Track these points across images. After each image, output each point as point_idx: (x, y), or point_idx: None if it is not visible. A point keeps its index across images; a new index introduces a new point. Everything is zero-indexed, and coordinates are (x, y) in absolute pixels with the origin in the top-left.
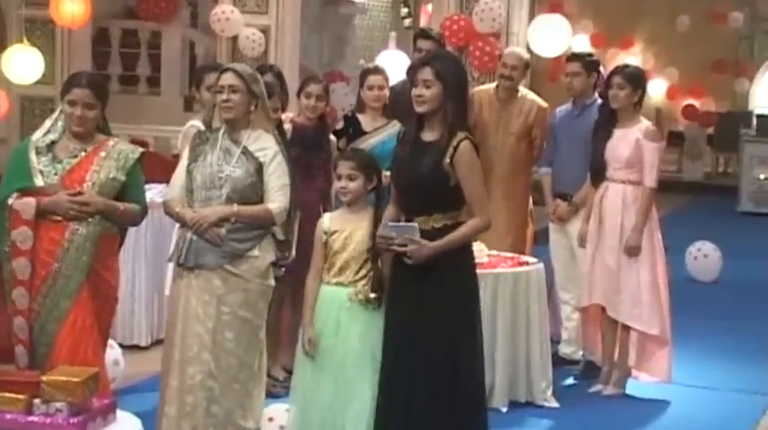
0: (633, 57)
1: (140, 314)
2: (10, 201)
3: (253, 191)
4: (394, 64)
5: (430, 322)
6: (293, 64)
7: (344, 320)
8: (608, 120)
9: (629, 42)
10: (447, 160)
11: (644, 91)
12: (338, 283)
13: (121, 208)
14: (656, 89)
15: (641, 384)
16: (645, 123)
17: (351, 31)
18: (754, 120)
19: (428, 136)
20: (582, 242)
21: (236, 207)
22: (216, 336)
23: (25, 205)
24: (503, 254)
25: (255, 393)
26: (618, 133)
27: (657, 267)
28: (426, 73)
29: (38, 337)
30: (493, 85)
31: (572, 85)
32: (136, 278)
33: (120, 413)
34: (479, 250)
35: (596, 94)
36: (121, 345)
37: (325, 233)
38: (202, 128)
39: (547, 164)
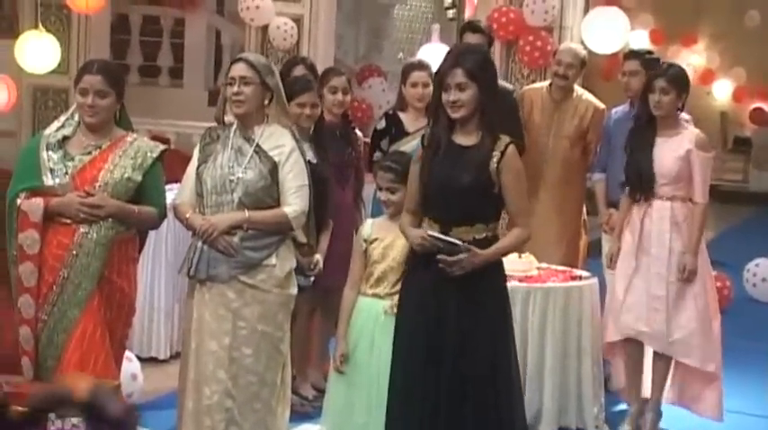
0: (696, 55)
1: (159, 325)
2: (18, 201)
3: (267, 193)
4: (437, 58)
5: (465, 333)
6: (327, 57)
7: (379, 335)
8: (647, 129)
9: (692, 39)
10: (494, 166)
11: (687, 94)
12: (375, 295)
13: (136, 211)
14: (722, 91)
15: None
16: (692, 130)
17: (389, 23)
18: None
19: (464, 140)
20: (612, 264)
21: (247, 213)
22: (233, 353)
23: (33, 206)
24: (553, 267)
25: (279, 411)
26: (660, 143)
27: (709, 295)
28: (458, 75)
29: (45, 349)
30: (545, 83)
31: (629, 85)
32: (155, 286)
33: None
34: (529, 262)
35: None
36: (139, 358)
37: (365, 241)
38: None
39: (600, 169)
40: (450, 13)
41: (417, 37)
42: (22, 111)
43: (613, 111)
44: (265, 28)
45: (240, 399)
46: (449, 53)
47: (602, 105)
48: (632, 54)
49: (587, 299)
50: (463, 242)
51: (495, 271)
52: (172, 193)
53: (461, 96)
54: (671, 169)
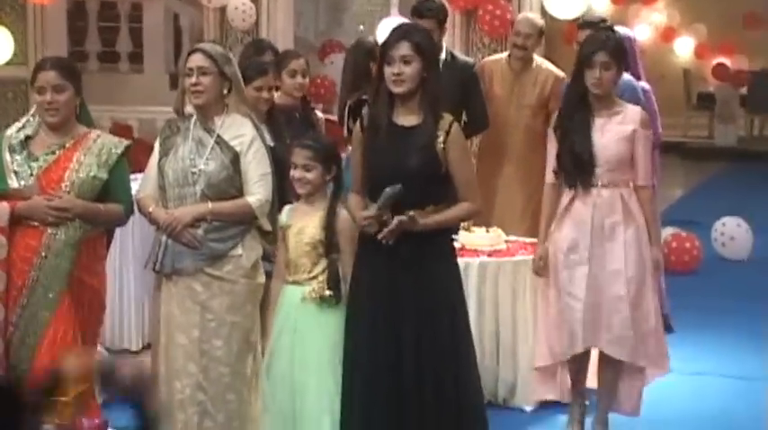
0: (657, 12)
1: (130, 316)
2: None
3: (230, 184)
4: None
5: (423, 313)
6: (287, 35)
7: (300, 322)
8: (581, 108)
9: None
10: (440, 146)
11: (625, 67)
12: (295, 282)
13: (104, 210)
14: (684, 48)
15: (673, 377)
16: (633, 108)
17: None
18: None
19: (406, 120)
20: (541, 269)
21: (210, 204)
22: (202, 346)
23: None
24: (522, 239)
25: (252, 400)
26: (600, 124)
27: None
28: (404, 48)
29: (16, 352)
30: (504, 54)
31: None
32: (124, 278)
33: None
34: (497, 236)
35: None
36: (110, 350)
37: (281, 227)
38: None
39: None
40: None
41: (377, 9)
42: None
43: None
44: (223, 9)
45: (212, 392)
46: (395, 29)
47: (561, 73)
48: (586, 24)
49: None
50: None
51: (446, 247)
52: (137, 184)
53: (405, 70)
54: (616, 153)
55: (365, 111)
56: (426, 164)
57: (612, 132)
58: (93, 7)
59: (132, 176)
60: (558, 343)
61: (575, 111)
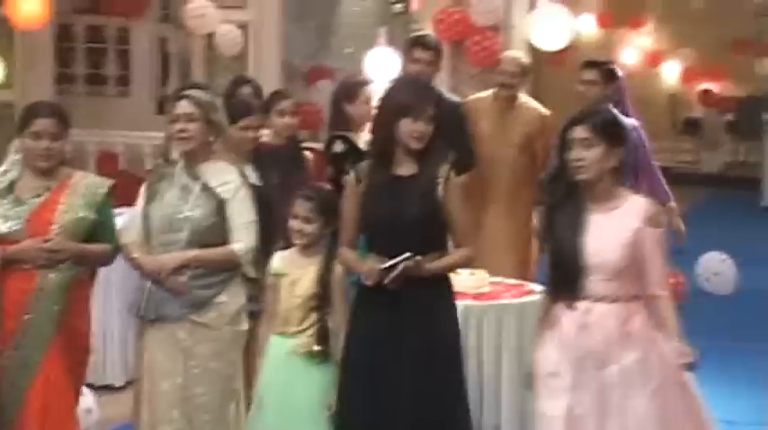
0: (644, 36)
1: (113, 352)
2: None
3: (216, 231)
4: (384, 64)
5: (425, 358)
6: (275, 61)
7: (289, 375)
8: (569, 200)
9: (640, 21)
10: (440, 193)
11: (623, 145)
12: (282, 333)
13: (93, 250)
14: (670, 72)
15: None
16: (637, 199)
17: (336, 19)
18: None
19: (402, 170)
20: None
21: (195, 251)
22: (185, 392)
23: None
24: (506, 281)
25: None
26: (594, 222)
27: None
28: (432, 109)
29: (7, 394)
30: (489, 92)
31: (586, 95)
32: (107, 313)
33: None
34: (481, 279)
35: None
36: (93, 386)
37: (274, 275)
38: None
39: None
40: (397, 7)
41: (366, 32)
42: None
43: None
44: (211, 35)
45: None
46: (415, 85)
47: (546, 112)
48: (591, 64)
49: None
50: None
51: (446, 290)
52: (122, 219)
53: (429, 129)
54: (614, 260)
55: (362, 164)
56: (426, 212)
57: (610, 234)
58: (81, 31)
59: (117, 211)
60: None
61: (560, 204)
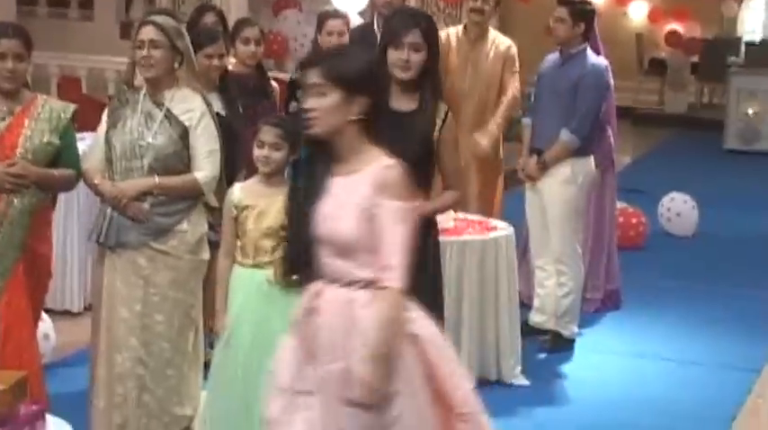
0: None
1: (72, 278)
2: None
3: (178, 159)
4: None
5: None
6: None
7: (265, 305)
8: (317, 159)
9: None
10: (437, 134)
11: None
12: (255, 265)
13: (57, 175)
14: (637, 12)
15: (616, 358)
16: (378, 163)
17: None
18: (743, 48)
19: (403, 104)
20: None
21: (158, 179)
22: (144, 320)
23: None
24: (469, 217)
25: (192, 376)
26: (334, 185)
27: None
28: (416, 35)
29: None
30: (460, 27)
31: (555, 32)
32: (67, 239)
33: (50, 419)
34: (445, 215)
35: (586, 44)
36: (52, 311)
37: (236, 207)
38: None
39: (530, 114)
40: None
41: None
42: None
43: (547, 57)
44: None
45: (152, 366)
46: (402, 13)
47: (514, 47)
48: (562, 1)
49: (503, 250)
50: None
51: (430, 230)
52: (83, 143)
53: (414, 57)
54: (343, 233)
55: None
56: (426, 151)
57: (344, 198)
58: None
59: (79, 136)
60: None
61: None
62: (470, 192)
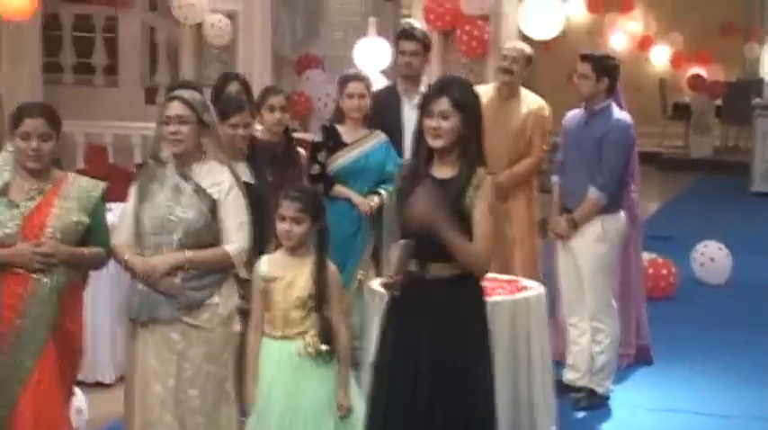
0: (634, 21)
1: (104, 348)
2: None
3: (208, 232)
4: (374, 53)
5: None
6: (265, 51)
7: (295, 378)
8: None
9: (629, 5)
10: (469, 197)
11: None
12: (284, 337)
13: (87, 254)
14: (660, 57)
15: (648, 414)
16: None
17: (325, 4)
18: (766, 90)
19: (442, 172)
20: None
21: (188, 253)
22: (178, 395)
23: None
24: (500, 277)
25: None
26: None
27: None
28: (443, 103)
29: None
30: (491, 85)
31: (579, 89)
32: (97, 308)
33: None
34: None
35: (610, 100)
36: (83, 384)
37: (263, 279)
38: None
39: (558, 172)
40: None
41: (355, 19)
42: None
43: (570, 113)
44: (199, 25)
45: None
46: (436, 82)
47: (543, 104)
48: (585, 57)
49: (535, 309)
50: (440, 279)
51: (475, 289)
52: (112, 214)
53: (443, 124)
54: None
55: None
56: (454, 215)
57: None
58: (68, 20)
59: (108, 206)
60: None
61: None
62: (513, 253)
